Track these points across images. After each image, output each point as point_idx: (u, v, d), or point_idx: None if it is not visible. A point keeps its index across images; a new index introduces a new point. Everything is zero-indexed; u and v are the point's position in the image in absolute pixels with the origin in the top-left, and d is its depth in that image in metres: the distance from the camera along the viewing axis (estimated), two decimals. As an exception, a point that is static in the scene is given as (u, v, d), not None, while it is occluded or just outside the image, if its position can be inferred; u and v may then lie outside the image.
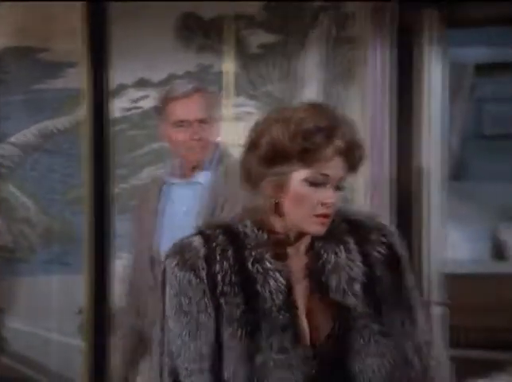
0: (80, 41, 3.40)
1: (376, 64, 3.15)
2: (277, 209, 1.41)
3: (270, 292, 1.40)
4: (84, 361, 3.47)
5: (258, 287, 1.41)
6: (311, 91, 3.35)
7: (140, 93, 3.49)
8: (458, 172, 5.76)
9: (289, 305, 1.42)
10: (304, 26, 3.32)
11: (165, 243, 2.21)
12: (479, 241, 6.11)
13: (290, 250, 1.45)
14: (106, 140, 3.48)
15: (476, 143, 6.32)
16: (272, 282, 1.41)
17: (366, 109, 3.25)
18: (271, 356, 1.39)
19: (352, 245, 1.47)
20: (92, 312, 3.44)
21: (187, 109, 2.19)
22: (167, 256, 1.47)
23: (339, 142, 1.38)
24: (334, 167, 1.39)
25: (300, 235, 1.44)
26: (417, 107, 3.27)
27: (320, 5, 3.30)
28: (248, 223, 1.44)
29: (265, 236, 1.43)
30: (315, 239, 1.45)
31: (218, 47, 3.41)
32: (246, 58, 3.40)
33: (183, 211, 2.26)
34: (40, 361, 3.59)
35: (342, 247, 1.46)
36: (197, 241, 1.44)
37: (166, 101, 2.22)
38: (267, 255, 1.42)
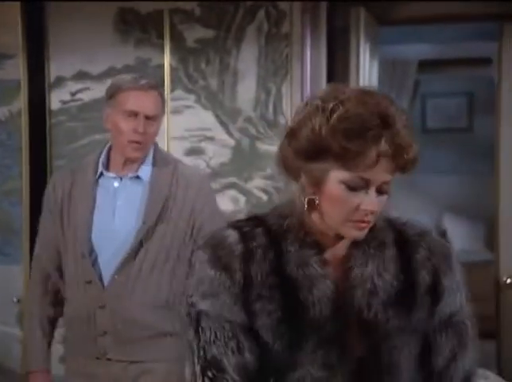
0: (18, 33, 3.39)
1: (309, 61, 3.21)
2: (316, 207, 1.23)
3: (316, 300, 1.23)
4: (22, 350, 3.48)
5: (302, 295, 1.23)
6: (248, 86, 3.40)
7: (79, 85, 3.50)
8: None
9: (338, 315, 1.24)
10: (240, 22, 3.36)
11: (97, 237, 2.22)
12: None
13: (328, 254, 1.27)
14: (44, 131, 3.48)
15: (420, 137, 6.44)
16: (320, 289, 1.23)
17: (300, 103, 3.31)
18: (310, 373, 1.22)
19: (391, 254, 1.28)
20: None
21: (140, 101, 2.17)
22: (198, 249, 1.30)
23: (386, 146, 1.16)
24: (377, 171, 1.18)
25: (339, 237, 1.26)
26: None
27: (256, 3, 3.34)
28: (292, 220, 1.27)
29: (313, 238, 1.25)
30: (352, 246, 1.28)
31: (156, 41, 3.43)
32: (183, 52, 3.41)
33: (118, 205, 2.22)
34: (-21, 350, 3.59)
35: (376, 260, 1.27)
36: (232, 237, 1.26)
37: (120, 89, 2.19)
38: (313, 259, 1.24)
